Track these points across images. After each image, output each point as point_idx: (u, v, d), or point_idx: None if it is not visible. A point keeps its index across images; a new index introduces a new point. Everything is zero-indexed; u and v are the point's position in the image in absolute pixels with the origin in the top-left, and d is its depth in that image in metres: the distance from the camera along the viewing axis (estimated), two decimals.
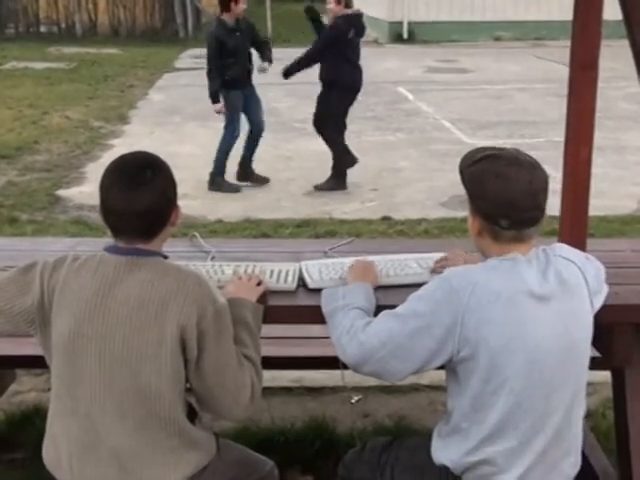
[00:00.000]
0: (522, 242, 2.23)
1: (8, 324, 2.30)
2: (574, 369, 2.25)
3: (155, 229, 2.24)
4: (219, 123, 11.81)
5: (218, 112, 8.17)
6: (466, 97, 14.13)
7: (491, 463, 2.21)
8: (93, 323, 2.14)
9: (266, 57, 8.22)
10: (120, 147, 10.33)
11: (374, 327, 2.27)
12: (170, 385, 2.16)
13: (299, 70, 8.04)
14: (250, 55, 8.11)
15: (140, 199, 2.16)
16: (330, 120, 8.07)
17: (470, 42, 23.57)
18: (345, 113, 8.11)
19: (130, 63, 19.60)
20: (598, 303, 2.38)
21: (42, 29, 26.43)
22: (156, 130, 11.45)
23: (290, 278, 2.76)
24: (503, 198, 2.17)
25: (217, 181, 8.27)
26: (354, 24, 7.81)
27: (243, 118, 8.27)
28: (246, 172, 8.43)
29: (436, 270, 2.73)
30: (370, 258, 2.82)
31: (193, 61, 20.50)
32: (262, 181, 8.43)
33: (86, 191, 8.21)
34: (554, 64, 18.23)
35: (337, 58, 7.75)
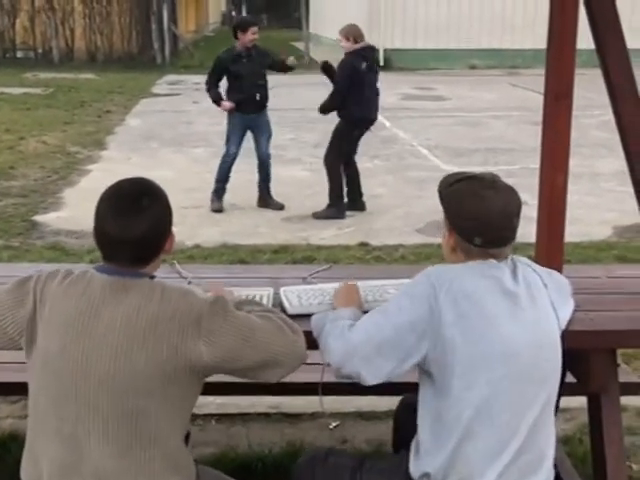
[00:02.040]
0: (492, 258, 2.32)
1: (2, 336, 2.29)
2: (547, 369, 2.32)
3: (148, 257, 2.24)
4: (195, 149, 11.92)
5: (228, 108, 8.22)
6: (442, 124, 14.24)
7: (470, 464, 2.24)
8: (79, 343, 2.13)
9: (287, 68, 8.50)
10: (97, 172, 10.34)
11: (360, 324, 2.35)
12: (160, 407, 2.14)
13: (332, 110, 8.07)
14: (260, 83, 8.17)
15: (135, 227, 2.16)
16: (332, 149, 8.14)
17: (446, 70, 23.80)
18: (350, 146, 8.16)
19: (107, 89, 19.61)
20: (564, 315, 2.47)
21: (19, 54, 26.43)
22: (133, 155, 11.44)
23: (264, 303, 2.77)
24: (479, 217, 2.28)
25: (215, 198, 8.42)
26: (365, 57, 7.88)
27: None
28: (263, 199, 8.54)
29: None
30: (351, 283, 2.84)
31: (170, 87, 20.56)
32: (278, 207, 8.46)
33: (63, 216, 8.18)
34: (529, 92, 18.43)
35: (350, 91, 7.82)
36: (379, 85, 8.13)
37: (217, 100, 8.27)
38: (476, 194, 2.30)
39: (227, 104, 8.19)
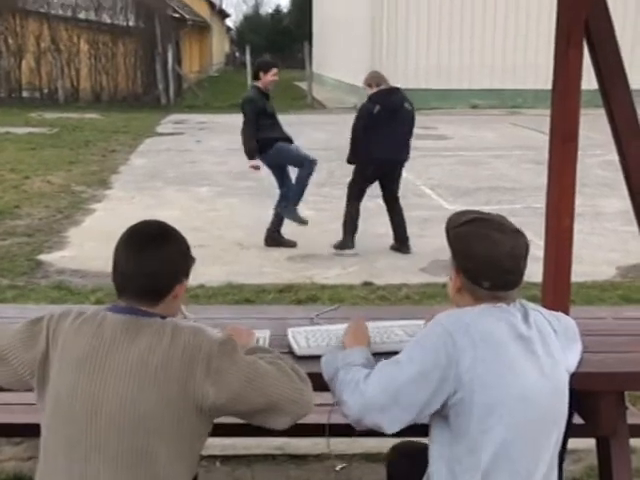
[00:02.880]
0: (501, 301, 2.32)
1: (13, 376, 2.31)
2: (558, 413, 2.32)
3: (158, 293, 2.26)
4: (200, 188, 11.97)
5: (255, 167, 8.31)
6: (445, 163, 14.31)
7: None
8: (91, 382, 2.14)
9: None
10: (102, 211, 10.38)
11: (374, 377, 2.31)
12: (169, 447, 2.14)
13: (354, 154, 8.18)
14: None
15: (147, 261, 2.22)
16: (351, 185, 8.36)
17: (448, 109, 23.98)
18: (362, 184, 8.26)
19: (112, 128, 19.76)
20: (573, 360, 2.47)
21: (24, 94, 26.70)
22: (137, 195, 11.49)
23: (261, 344, 2.78)
24: (487, 260, 2.27)
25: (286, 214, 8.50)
26: (380, 101, 7.93)
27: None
28: (273, 237, 8.59)
29: None
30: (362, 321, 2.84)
31: (174, 126, 20.72)
32: (291, 245, 8.51)
33: (68, 255, 8.19)
34: (530, 131, 18.57)
35: (364, 135, 7.95)
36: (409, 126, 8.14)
37: (252, 154, 8.23)
38: (484, 237, 2.29)
39: (255, 162, 8.25)
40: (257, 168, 8.32)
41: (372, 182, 8.31)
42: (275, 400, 2.22)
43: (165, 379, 2.12)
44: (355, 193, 8.34)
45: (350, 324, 2.77)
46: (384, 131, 7.90)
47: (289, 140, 8.35)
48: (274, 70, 8.22)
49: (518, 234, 2.34)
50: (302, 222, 8.55)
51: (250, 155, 8.22)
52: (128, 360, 2.14)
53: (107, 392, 2.13)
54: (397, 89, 8.23)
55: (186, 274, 2.33)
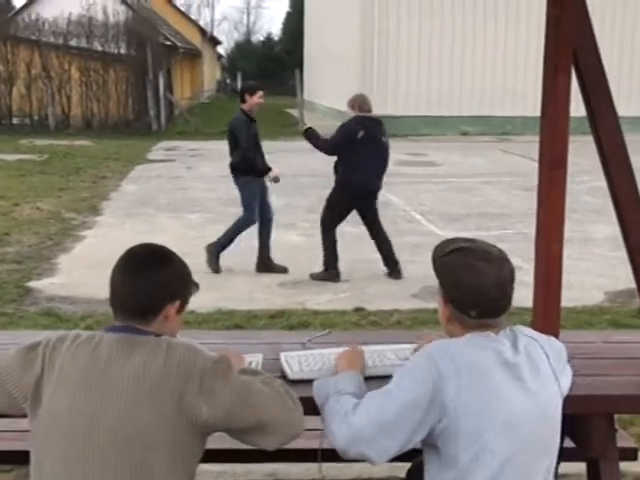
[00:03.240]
0: (489, 328, 2.34)
1: (7, 400, 2.33)
2: (548, 439, 2.33)
3: (145, 313, 2.29)
4: (191, 215, 11.98)
5: (276, 177, 8.38)
6: (435, 190, 14.39)
7: None
8: (88, 401, 2.16)
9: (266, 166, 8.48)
10: (92, 238, 10.37)
11: (362, 407, 2.32)
12: (166, 463, 2.16)
13: (314, 144, 8.17)
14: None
15: (139, 281, 2.27)
16: (326, 214, 8.25)
17: (438, 136, 24.13)
18: (338, 210, 8.18)
19: (102, 155, 19.79)
20: (566, 383, 2.47)
21: (15, 121, 26.71)
22: (128, 221, 11.50)
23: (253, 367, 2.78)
24: (473, 289, 2.29)
25: (213, 252, 8.51)
26: (363, 125, 7.95)
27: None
28: (264, 263, 8.60)
29: None
30: (359, 347, 2.86)
31: (165, 153, 20.77)
32: (282, 270, 8.52)
33: (57, 282, 8.18)
34: (519, 158, 18.69)
35: (344, 157, 7.98)
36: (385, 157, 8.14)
37: (263, 169, 8.35)
38: (470, 266, 2.31)
39: (276, 171, 8.38)
40: (277, 177, 8.37)
41: (347, 209, 8.20)
42: (267, 420, 2.25)
43: (160, 395, 2.15)
44: (328, 222, 8.22)
45: (346, 350, 2.78)
46: (365, 158, 7.90)
47: (266, 166, 8.38)
48: (259, 93, 8.25)
49: (503, 261, 2.36)
50: (215, 270, 8.49)
51: (263, 172, 8.30)
52: (124, 377, 2.17)
53: (104, 408, 2.15)
54: (378, 120, 8.22)
55: (182, 297, 2.38)
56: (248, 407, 2.23)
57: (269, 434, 2.27)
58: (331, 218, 8.22)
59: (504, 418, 2.21)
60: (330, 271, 8.23)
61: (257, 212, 8.41)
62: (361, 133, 7.90)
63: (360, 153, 7.90)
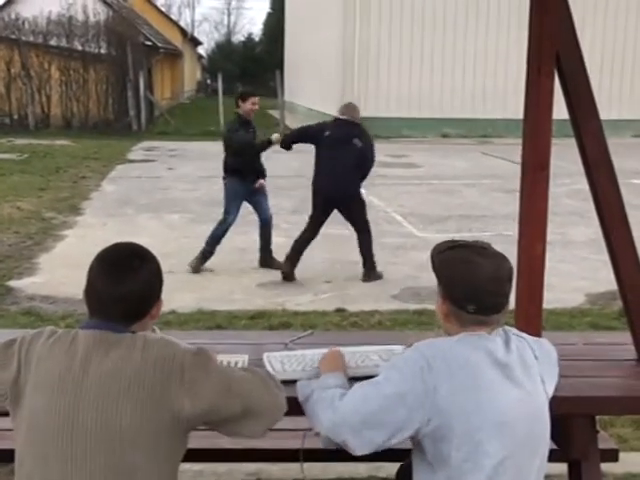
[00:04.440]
0: (486, 326, 2.33)
1: None
2: (539, 438, 2.33)
3: (133, 316, 2.27)
4: (171, 215, 11.95)
5: (260, 185, 8.57)
6: (416, 192, 14.42)
7: None
8: (65, 399, 2.14)
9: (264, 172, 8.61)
10: (72, 238, 10.32)
11: (349, 395, 2.33)
12: (147, 461, 2.14)
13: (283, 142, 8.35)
14: (258, 153, 8.47)
15: (123, 286, 2.23)
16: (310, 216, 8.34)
17: (419, 138, 24.19)
18: (313, 214, 8.24)
19: (82, 155, 19.69)
20: (551, 387, 2.48)
21: None
22: (109, 221, 11.45)
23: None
24: (470, 284, 2.29)
25: (200, 258, 8.59)
26: (331, 128, 8.02)
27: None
28: (266, 260, 8.69)
29: None
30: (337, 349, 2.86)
31: (146, 153, 20.69)
32: (281, 267, 8.50)
33: (38, 282, 8.13)
34: (500, 160, 18.75)
35: (315, 161, 8.08)
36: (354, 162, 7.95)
37: (258, 173, 8.57)
38: (467, 261, 2.32)
39: (261, 182, 8.55)
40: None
41: (322, 213, 8.18)
42: (252, 405, 2.25)
43: (139, 392, 2.13)
44: (307, 224, 8.30)
45: (327, 352, 2.79)
46: (326, 163, 7.94)
47: (256, 172, 8.47)
48: (252, 99, 8.39)
49: (501, 258, 2.37)
50: (195, 270, 8.55)
51: (247, 175, 8.44)
52: (102, 374, 2.15)
53: (83, 406, 2.13)
54: (354, 124, 8.03)
55: (160, 291, 2.35)
56: (232, 396, 2.22)
57: (254, 420, 2.28)
58: (309, 221, 8.29)
59: (496, 418, 2.21)
60: (285, 265, 8.26)
61: (235, 213, 8.53)
62: (327, 133, 7.94)
63: (322, 156, 7.96)
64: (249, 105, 8.36)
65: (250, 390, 2.26)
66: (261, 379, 2.32)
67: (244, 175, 8.43)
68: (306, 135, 8.29)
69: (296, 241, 8.28)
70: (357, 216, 8.24)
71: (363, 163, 8.03)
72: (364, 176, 8.17)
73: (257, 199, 8.61)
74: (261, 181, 8.52)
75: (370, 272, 8.28)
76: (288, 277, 8.24)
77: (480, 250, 2.37)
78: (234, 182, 8.46)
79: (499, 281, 2.32)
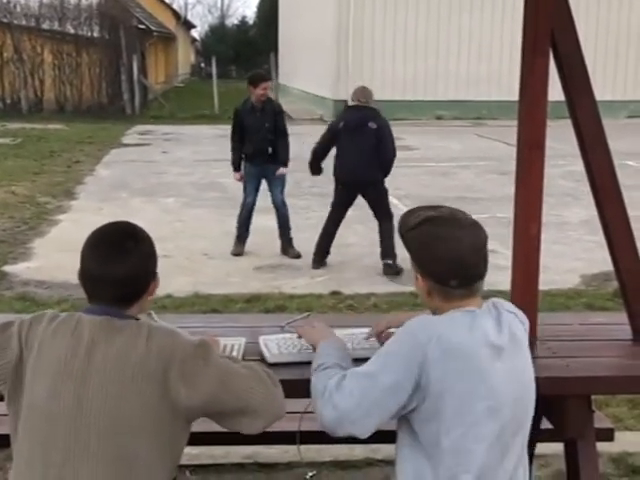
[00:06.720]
0: (472, 297, 2.31)
1: None
2: (523, 418, 2.33)
3: (131, 297, 2.26)
4: (166, 199, 11.92)
5: (238, 180, 8.75)
6: (411, 174, 14.39)
7: None
8: (70, 385, 2.13)
9: (280, 158, 8.47)
10: (67, 222, 10.31)
11: (347, 387, 2.27)
12: (149, 448, 2.14)
13: (310, 166, 8.30)
14: (270, 137, 8.41)
15: (118, 267, 2.20)
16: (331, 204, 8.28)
17: (413, 120, 24.12)
18: (337, 202, 8.18)
19: (76, 139, 19.63)
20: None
21: None
22: (103, 205, 11.42)
23: (235, 353, 2.80)
24: (450, 259, 2.24)
25: (236, 242, 8.73)
26: (344, 117, 8.02)
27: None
28: (283, 246, 8.71)
29: (381, 340, 2.76)
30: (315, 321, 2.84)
31: (140, 137, 20.63)
32: (295, 255, 8.54)
33: (33, 266, 8.12)
34: (494, 142, 18.73)
35: (336, 149, 8.03)
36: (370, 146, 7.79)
37: (235, 166, 8.66)
38: (442, 237, 2.26)
39: (237, 175, 8.67)
40: (239, 180, 8.58)
41: (345, 202, 8.10)
42: (249, 403, 2.24)
43: (142, 380, 2.13)
44: (329, 213, 8.23)
45: (304, 328, 2.76)
46: (345, 150, 7.88)
47: (267, 156, 8.43)
48: (263, 84, 8.35)
49: (475, 226, 2.33)
50: (236, 253, 8.67)
51: (232, 167, 8.65)
52: (106, 361, 2.14)
53: (87, 394, 2.12)
54: (365, 107, 7.94)
55: (155, 269, 2.33)
56: (230, 392, 2.21)
57: (252, 417, 2.26)
58: (331, 210, 8.21)
59: (487, 403, 2.20)
60: (314, 258, 8.23)
61: (253, 194, 8.61)
62: (341, 124, 7.93)
63: (341, 144, 7.92)
64: (260, 91, 8.28)
65: (247, 388, 2.24)
66: (260, 378, 2.30)
67: (250, 157, 8.50)
68: (328, 141, 8.09)
69: (321, 236, 8.23)
70: (378, 204, 8.02)
71: (381, 145, 7.81)
72: (386, 162, 7.85)
73: (271, 183, 8.61)
74: (282, 169, 8.47)
75: (388, 266, 7.94)
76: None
77: (453, 221, 2.31)
78: (246, 164, 8.59)
79: (479, 251, 2.28)
